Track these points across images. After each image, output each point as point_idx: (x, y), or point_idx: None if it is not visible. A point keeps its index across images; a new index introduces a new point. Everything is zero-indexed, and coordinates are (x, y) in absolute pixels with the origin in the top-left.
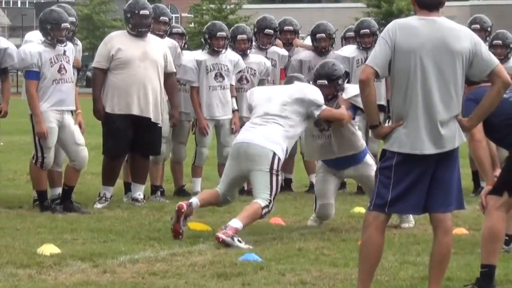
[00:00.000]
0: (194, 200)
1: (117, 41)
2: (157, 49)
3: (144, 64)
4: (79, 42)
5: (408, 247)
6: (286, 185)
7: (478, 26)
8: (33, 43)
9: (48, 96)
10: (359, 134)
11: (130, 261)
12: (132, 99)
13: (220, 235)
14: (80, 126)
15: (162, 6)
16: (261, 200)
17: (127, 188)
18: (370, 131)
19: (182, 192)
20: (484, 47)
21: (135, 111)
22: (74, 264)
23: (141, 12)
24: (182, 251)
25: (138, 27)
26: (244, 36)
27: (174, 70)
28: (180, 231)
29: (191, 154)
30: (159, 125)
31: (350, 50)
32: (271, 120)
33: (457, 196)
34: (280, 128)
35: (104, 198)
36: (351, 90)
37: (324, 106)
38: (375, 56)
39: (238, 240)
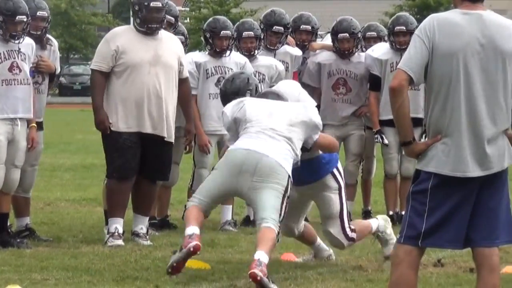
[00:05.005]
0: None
1: (122, 39)
2: (171, 50)
3: (156, 70)
4: (54, 41)
5: None
6: None
7: None
8: None
9: None
10: None
11: None
12: (143, 113)
13: (258, 272)
14: (32, 143)
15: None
16: (273, 225)
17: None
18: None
19: (166, 224)
20: None
21: (148, 128)
22: None
23: (152, 4)
24: None
25: (149, 22)
26: (251, 33)
27: (188, 75)
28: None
29: (185, 177)
30: (172, 145)
31: (383, 50)
32: (280, 137)
33: (505, 228)
34: (289, 150)
35: (116, 233)
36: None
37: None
38: (410, 59)
39: (272, 281)
